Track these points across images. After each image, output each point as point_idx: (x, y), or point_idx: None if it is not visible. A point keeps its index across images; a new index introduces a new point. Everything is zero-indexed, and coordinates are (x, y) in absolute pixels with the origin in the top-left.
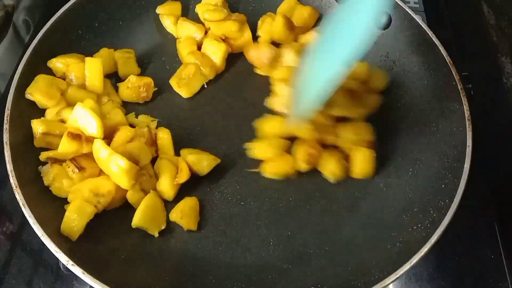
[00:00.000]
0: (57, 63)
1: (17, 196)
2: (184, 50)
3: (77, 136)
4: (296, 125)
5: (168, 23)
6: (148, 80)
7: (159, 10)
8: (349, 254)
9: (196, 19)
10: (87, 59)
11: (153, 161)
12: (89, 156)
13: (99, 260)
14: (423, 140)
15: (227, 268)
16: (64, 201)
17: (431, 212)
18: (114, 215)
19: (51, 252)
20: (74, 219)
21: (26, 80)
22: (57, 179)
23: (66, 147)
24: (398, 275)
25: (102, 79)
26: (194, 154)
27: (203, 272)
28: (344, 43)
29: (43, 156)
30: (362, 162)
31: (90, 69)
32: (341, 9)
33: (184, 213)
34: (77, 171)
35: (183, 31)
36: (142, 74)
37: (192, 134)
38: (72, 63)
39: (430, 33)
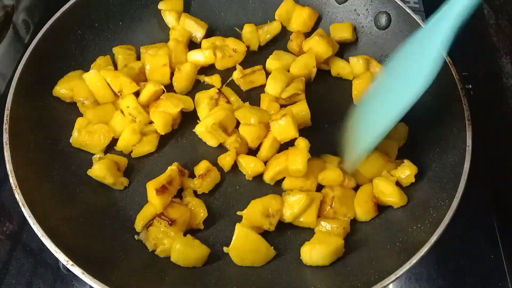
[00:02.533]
0: (61, 90)
1: (16, 196)
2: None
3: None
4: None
5: (170, 19)
6: None
7: (161, 5)
8: (349, 254)
9: (198, 16)
10: (84, 76)
11: None
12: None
13: (98, 260)
14: (422, 140)
15: (227, 268)
16: (64, 200)
17: (431, 212)
18: (113, 215)
19: (51, 252)
20: None
21: (26, 80)
22: (159, 241)
23: (156, 202)
24: (397, 275)
25: (107, 87)
26: None
27: (203, 272)
28: (406, 85)
29: (138, 225)
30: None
31: (92, 84)
32: (405, 48)
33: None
34: (170, 224)
35: (185, 28)
36: None
37: None
38: (75, 85)
39: None
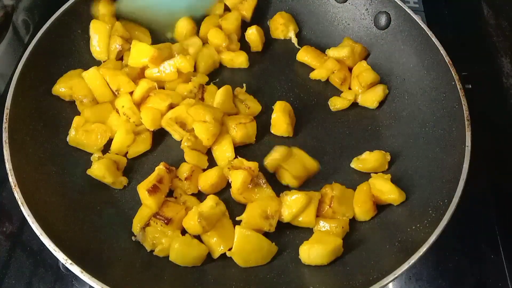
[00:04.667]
0: (60, 89)
1: (16, 195)
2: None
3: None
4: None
5: None
6: None
7: None
8: (347, 254)
9: None
10: (83, 74)
11: None
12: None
13: (97, 259)
14: (422, 140)
15: (226, 268)
16: (63, 200)
17: (430, 212)
18: (113, 214)
19: (51, 252)
20: None
21: (25, 80)
22: (157, 241)
23: (150, 202)
24: (396, 275)
25: (105, 85)
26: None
27: (202, 271)
28: None
29: (136, 228)
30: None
31: (91, 82)
32: None
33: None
34: (166, 224)
35: None
36: None
37: None
38: (74, 84)
39: (430, 33)
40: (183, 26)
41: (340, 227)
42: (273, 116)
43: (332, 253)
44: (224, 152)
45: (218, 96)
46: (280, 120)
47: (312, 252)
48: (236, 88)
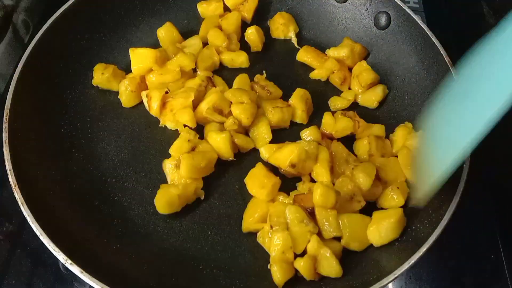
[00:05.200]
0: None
1: (16, 195)
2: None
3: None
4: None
5: None
6: None
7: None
8: (347, 254)
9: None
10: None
11: None
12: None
13: (97, 259)
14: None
15: (226, 267)
16: (63, 199)
17: (430, 212)
18: (113, 214)
19: (51, 252)
20: None
21: (25, 80)
22: None
23: None
24: (396, 275)
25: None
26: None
27: (202, 271)
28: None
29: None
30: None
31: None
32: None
33: None
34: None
35: None
36: None
37: None
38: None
39: (430, 33)
40: (166, 32)
41: (400, 195)
42: (290, 101)
43: (400, 224)
44: (262, 133)
45: (235, 84)
46: (296, 107)
47: (381, 231)
48: (257, 75)
